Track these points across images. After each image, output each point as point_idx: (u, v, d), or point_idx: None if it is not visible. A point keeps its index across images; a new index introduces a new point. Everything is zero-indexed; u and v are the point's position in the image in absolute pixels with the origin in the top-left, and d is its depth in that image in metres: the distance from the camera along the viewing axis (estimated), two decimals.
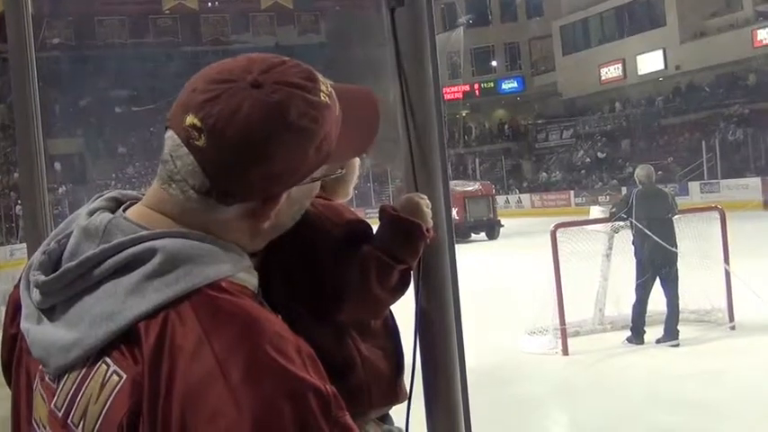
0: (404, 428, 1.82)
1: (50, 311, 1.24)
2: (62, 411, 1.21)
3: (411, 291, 1.74)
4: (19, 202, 39.20)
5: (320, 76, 1.31)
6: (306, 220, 1.67)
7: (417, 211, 1.67)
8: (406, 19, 1.52)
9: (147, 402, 1.12)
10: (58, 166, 46.46)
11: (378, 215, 1.71)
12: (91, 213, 1.30)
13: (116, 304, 1.18)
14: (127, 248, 1.21)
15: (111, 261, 1.21)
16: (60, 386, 1.22)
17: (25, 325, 1.27)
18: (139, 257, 1.20)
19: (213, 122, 1.21)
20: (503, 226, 30.87)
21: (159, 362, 1.13)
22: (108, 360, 1.17)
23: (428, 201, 1.68)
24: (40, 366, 1.27)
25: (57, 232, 1.30)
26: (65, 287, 1.23)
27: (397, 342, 1.84)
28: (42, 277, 1.24)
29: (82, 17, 48.30)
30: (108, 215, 1.28)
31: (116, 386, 1.15)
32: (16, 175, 41.37)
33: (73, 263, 1.23)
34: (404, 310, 1.80)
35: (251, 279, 1.29)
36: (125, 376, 1.15)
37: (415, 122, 1.55)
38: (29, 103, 2.48)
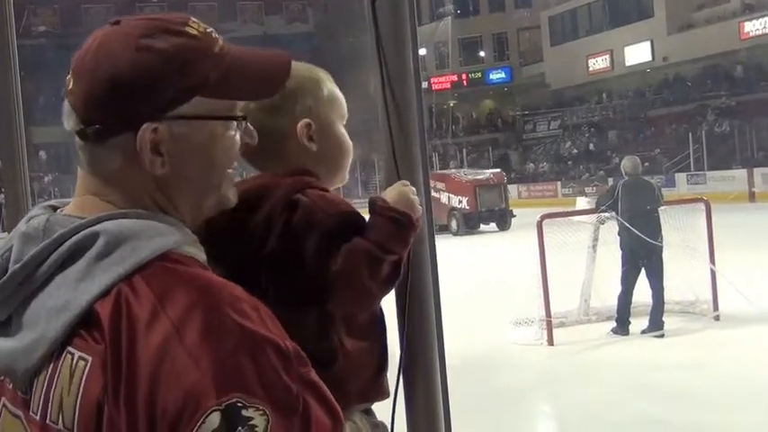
0: (389, 422, 1.83)
1: (7, 324, 1.25)
2: (39, 414, 1.21)
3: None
4: (2, 190, 39.13)
5: (197, 21, 1.34)
6: (297, 209, 1.67)
7: (406, 201, 1.67)
8: (386, 9, 1.52)
9: (112, 375, 1.13)
10: (43, 154, 46.25)
11: (367, 207, 1.71)
12: (29, 221, 1.31)
13: (68, 293, 1.19)
14: (68, 239, 1.22)
15: (55, 255, 1.22)
16: (33, 392, 1.22)
17: None
18: (82, 244, 1.22)
19: (75, 62, 1.29)
20: (515, 216, 29.38)
21: (119, 335, 1.14)
22: (71, 349, 1.18)
23: (413, 188, 1.69)
24: (9, 385, 1.27)
25: None
26: (14, 293, 1.23)
27: (383, 339, 1.81)
28: None
29: (68, 5, 48.08)
30: (45, 216, 1.30)
31: (84, 370, 1.16)
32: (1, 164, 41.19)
33: (17, 265, 1.23)
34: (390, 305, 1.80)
35: (199, 253, 1.31)
36: (90, 359, 1.16)
37: (397, 113, 1.55)
38: (10, 90, 2.47)
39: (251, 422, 1.10)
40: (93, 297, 1.17)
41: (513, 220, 29.44)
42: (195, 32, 1.31)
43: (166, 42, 1.27)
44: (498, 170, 33.80)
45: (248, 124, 1.42)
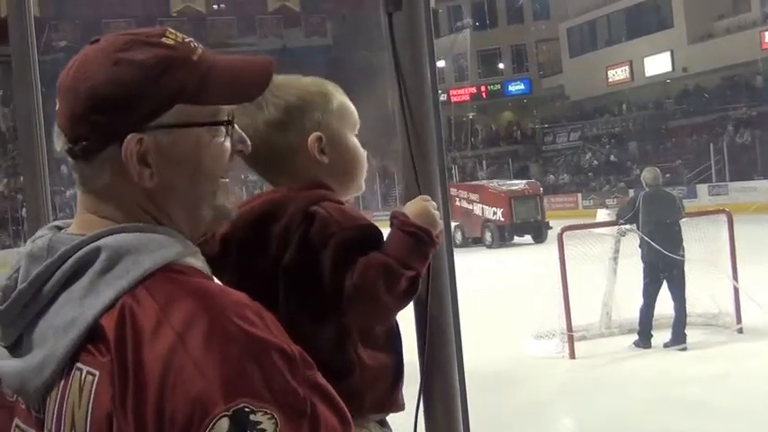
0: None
1: (17, 345, 1.26)
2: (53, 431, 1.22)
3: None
4: (24, 204, 39.43)
5: (175, 32, 1.35)
6: (314, 222, 1.68)
7: (427, 216, 1.67)
8: (403, 23, 1.51)
9: (119, 386, 1.14)
10: (64, 169, 46.40)
11: (388, 220, 1.71)
12: (33, 241, 1.32)
13: (74, 310, 1.20)
14: (71, 256, 1.24)
15: (59, 272, 1.23)
16: (46, 410, 1.23)
17: None
18: (85, 260, 1.23)
19: (59, 84, 1.32)
20: (551, 228, 27.44)
21: (124, 347, 1.15)
22: (79, 365, 1.19)
23: (434, 203, 1.68)
24: (22, 405, 1.29)
25: (7, 275, 1.31)
26: (22, 313, 1.25)
27: (399, 352, 1.82)
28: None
29: (88, 20, 48.45)
30: (48, 236, 1.31)
31: (93, 384, 1.17)
32: (23, 178, 41.48)
33: (23, 285, 1.25)
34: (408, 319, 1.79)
35: (201, 264, 1.31)
36: (98, 373, 1.17)
37: (414, 126, 1.55)
38: (31, 105, 2.48)
39: (259, 426, 1.11)
40: (99, 312, 1.19)
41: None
42: (172, 42, 1.32)
43: (143, 54, 1.28)
44: (533, 180, 33.29)
45: (240, 131, 1.41)
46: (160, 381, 1.12)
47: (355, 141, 1.88)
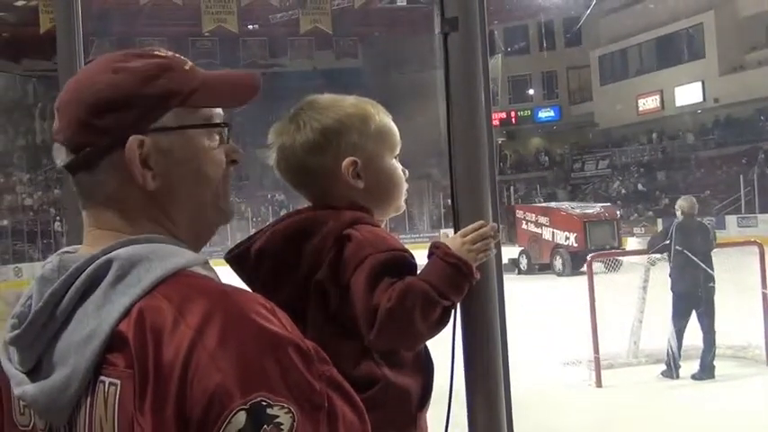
0: None
1: (38, 368, 1.27)
2: None
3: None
4: (57, 218, 39.89)
5: (162, 49, 1.42)
6: (349, 243, 1.70)
7: (466, 254, 1.66)
8: (459, 44, 1.51)
9: (140, 387, 1.16)
10: None
11: (428, 250, 1.71)
12: (44, 266, 1.34)
13: (92, 323, 1.22)
14: (83, 271, 1.25)
15: (72, 289, 1.25)
16: (77, 430, 1.24)
17: (18, 391, 1.29)
18: (97, 274, 1.25)
19: (58, 102, 1.38)
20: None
21: (145, 350, 1.17)
22: (102, 378, 1.20)
23: (482, 233, 1.67)
24: (40, 431, 1.29)
25: (20, 302, 1.33)
26: (39, 335, 1.26)
27: (427, 377, 1.81)
28: (16, 332, 1.28)
29: (123, 37, 48.96)
30: (58, 257, 1.34)
31: (116, 394, 1.18)
32: (57, 191, 41.99)
33: (38, 305, 1.26)
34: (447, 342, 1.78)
35: (210, 273, 1.32)
36: (119, 382, 1.18)
37: (465, 150, 1.54)
38: None
39: (276, 420, 1.12)
40: (116, 320, 1.20)
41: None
42: (164, 54, 1.39)
43: (139, 63, 1.35)
44: (609, 204, 31.69)
45: (232, 143, 1.45)
46: (179, 378, 1.14)
47: (393, 164, 1.89)
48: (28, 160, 46.93)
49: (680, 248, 10.42)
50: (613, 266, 12.85)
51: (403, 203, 1.93)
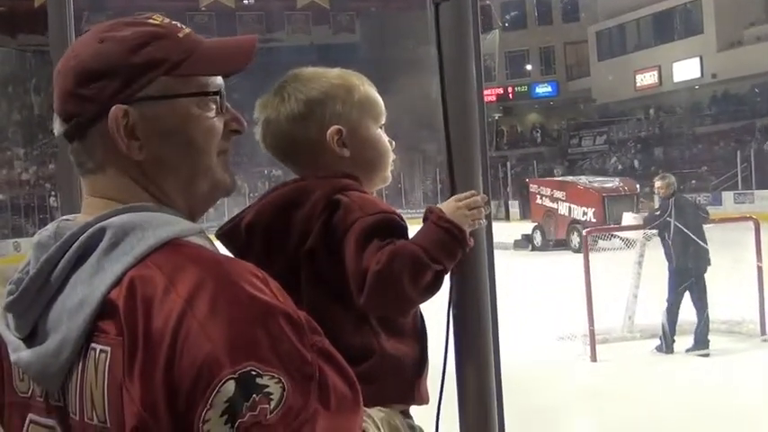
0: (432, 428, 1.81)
1: (34, 334, 1.28)
2: (78, 415, 1.24)
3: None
4: (53, 193, 39.83)
5: (162, 16, 1.41)
6: (338, 209, 1.70)
7: (459, 216, 1.66)
8: (450, 14, 1.50)
9: (128, 356, 1.16)
10: None
11: (423, 215, 1.71)
12: (41, 233, 1.35)
13: (84, 290, 1.22)
14: (77, 238, 1.26)
15: (66, 256, 1.26)
16: (68, 395, 1.25)
17: (14, 357, 1.30)
18: (91, 241, 1.25)
19: (54, 74, 1.38)
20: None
21: (134, 317, 1.17)
22: (93, 345, 1.21)
23: (475, 201, 1.67)
24: (39, 398, 1.30)
25: (18, 268, 1.34)
26: (34, 300, 1.26)
27: (423, 344, 1.82)
28: (12, 298, 1.28)
29: (120, 12, 48.82)
30: (55, 224, 1.35)
31: (106, 361, 1.19)
32: (52, 166, 41.89)
33: (33, 272, 1.27)
34: (437, 314, 1.78)
35: (205, 242, 1.32)
36: (110, 349, 1.19)
37: (457, 122, 1.53)
38: None
39: (266, 390, 1.12)
40: (107, 288, 1.20)
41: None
42: (157, 22, 1.38)
43: (127, 31, 1.34)
44: (629, 178, 29.65)
45: (233, 110, 1.44)
46: (169, 346, 1.14)
47: (378, 133, 1.89)
48: (24, 135, 46.82)
49: (677, 224, 10.43)
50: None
51: (389, 174, 1.94)
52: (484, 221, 1.69)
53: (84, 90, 1.31)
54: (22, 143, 46.70)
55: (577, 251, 21.83)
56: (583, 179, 28.90)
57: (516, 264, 18.49)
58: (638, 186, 27.25)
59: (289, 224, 1.73)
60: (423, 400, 1.82)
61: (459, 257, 1.66)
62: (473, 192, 1.67)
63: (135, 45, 1.32)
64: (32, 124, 46.12)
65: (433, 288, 1.65)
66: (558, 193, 26.80)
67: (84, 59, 1.32)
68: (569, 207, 26.33)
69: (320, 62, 1.89)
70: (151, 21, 1.38)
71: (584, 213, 25.69)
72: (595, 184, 26.82)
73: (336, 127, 1.82)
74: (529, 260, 22.88)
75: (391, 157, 1.92)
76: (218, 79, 1.41)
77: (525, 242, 27.16)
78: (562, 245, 25.78)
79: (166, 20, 1.40)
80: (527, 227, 28.17)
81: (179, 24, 1.40)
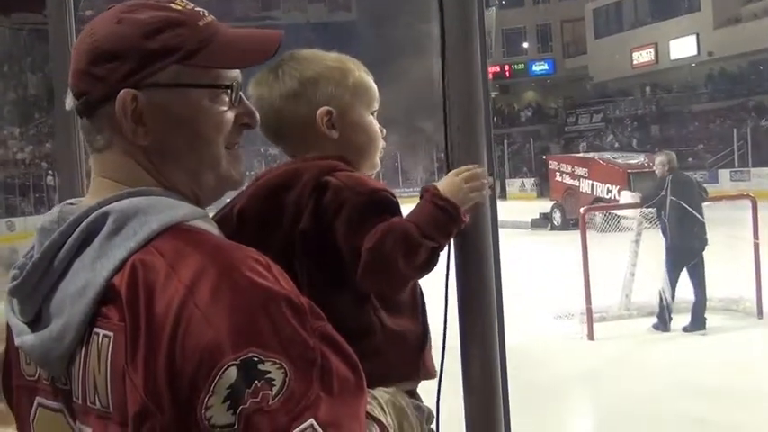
0: (434, 408, 1.82)
1: (37, 319, 1.28)
2: (81, 399, 1.24)
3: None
4: (50, 172, 39.78)
5: (187, 3, 1.38)
6: (327, 190, 1.68)
7: (457, 191, 1.66)
8: None
9: (131, 341, 1.16)
10: None
11: (419, 193, 1.70)
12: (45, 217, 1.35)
13: (87, 275, 1.22)
14: (80, 223, 1.26)
15: (70, 240, 1.25)
16: (72, 379, 1.25)
17: (18, 341, 1.30)
18: (94, 226, 1.25)
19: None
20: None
21: (136, 303, 1.17)
22: (96, 329, 1.21)
23: (474, 174, 1.66)
24: (46, 382, 1.31)
25: (24, 253, 1.34)
26: (38, 285, 1.26)
27: (424, 317, 1.82)
28: (15, 282, 1.28)
29: None
30: (59, 208, 1.35)
31: (108, 346, 1.19)
32: (48, 145, 41.79)
33: (36, 257, 1.27)
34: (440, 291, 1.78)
35: (209, 227, 1.32)
36: (112, 334, 1.19)
37: (461, 101, 1.52)
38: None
39: (268, 375, 1.12)
40: (110, 273, 1.20)
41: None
42: (180, 8, 1.36)
43: (146, 14, 1.33)
44: (653, 153, 28.17)
45: (248, 104, 1.43)
46: (171, 333, 1.13)
47: (369, 119, 1.89)
48: (19, 114, 46.68)
49: (673, 202, 10.44)
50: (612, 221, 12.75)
51: (378, 161, 1.93)
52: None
53: (97, 69, 1.31)
54: (17, 122, 46.56)
55: (603, 231, 20.75)
56: (606, 155, 27.37)
57: (533, 244, 17.98)
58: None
59: (281, 208, 1.72)
60: (429, 373, 1.82)
61: (454, 234, 1.66)
62: (473, 166, 1.66)
63: (151, 30, 1.31)
64: (28, 103, 46.01)
65: (429, 265, 1.65)
66: (580, 170, 25.49)
67: (99, 39, 1.32)
68: (592, 184, 24.86)
69: (317, 40, 1.88)
70: (173, 5, 1.36)
71: (609, 191, 23.98)
72: (619, 161, 25.28)
73: (326, 108, 1.82)
74: (548, 240, 22.17)
75: (380, 144, 1.91)
76: (234, 71, 1.40)
77: (544, 221, 26.04)
78: (610, 225, 24.48)
79: (190, 5, 1.38)
80: (545, 205, 27.17)
81: (202, 12, 1.38)
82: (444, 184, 1.68)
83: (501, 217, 1.73)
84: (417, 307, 1.82)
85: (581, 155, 30.77)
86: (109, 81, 1.30)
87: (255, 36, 1.42)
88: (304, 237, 1.70)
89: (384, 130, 1.92)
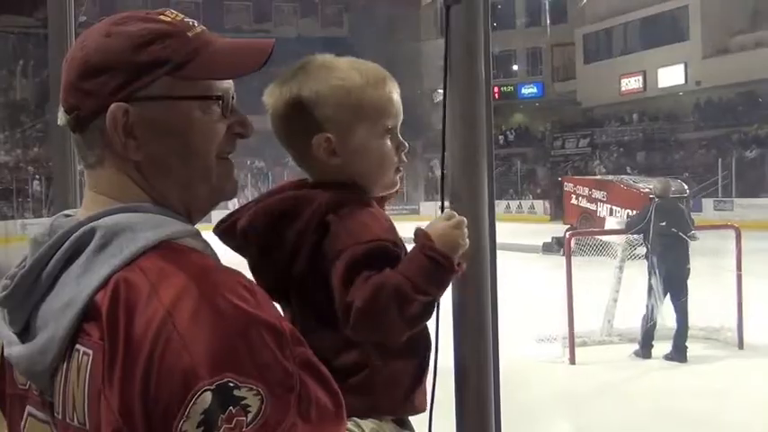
0: None
1: (26, 330, 1.27)
2: (61, 414, 1.23)
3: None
4: (36, 177, 39.50)
5: (176, 12, 1.37)
6: (326, 232, 1.63)
7: (449, 238, 1.57)
8: (461, 17, 1.49)
9: (108, 361, 1.15)
10: None
11: (412, 236, 1.62)
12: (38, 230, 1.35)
13: (72, 291, 1.21)
14: (69, 237, 1.25)
15: (57, 254, 1.25)
16: (54, 393, 1.24)
17: (7, 351, 1.30)
18: (82, 240, 1.24)
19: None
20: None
21: (116, 323, 1.16)
22: (78, 346, 1.20)
23: (461, 218, 1.58)
24: (36, 392, 1.30)
25: (17, 263, 1.34)
26: (25, 298, 1.26)
27: (421, 358, 1.73)
28: (4, 293, 1.28)
29: None
30: (52, 221, 1.34)
31: (88, 364, 1.18)
32: (36, 150, 41.57)
33: (24, 269, 1.27)
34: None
35: (200, 244, 1.31)
36: (92, 352, 1.18)
37: (463, 124, 1.51)
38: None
39: (243, 402, 1.11)
40: (93, 290, 1.19)
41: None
42: (169, 19, 1.35)
43: (135, 27, 1.31)
44: (678, 181, 25.38)
45: (241, 114, 1.41)
46: (148, 355, 1.12)
47: (375, 142, 1.75)
48: (7, 118, 46.43)
49: (658, 229, 10.49)
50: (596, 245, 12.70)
51: (395, 180, 1.81)
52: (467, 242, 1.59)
53: (86, 84, 1.30)
54: (3, 126, 46.30)
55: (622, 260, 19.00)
56: (626, 178, 26.12)
57: (542, 270, 17.01)
58: (686, 188, 24.36)
59: (281, 239, 1.67)
60: (417, 410, 1.76)
61: (449, 284, 1.59)
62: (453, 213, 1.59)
63: (140, 42, 1.30)
64: (16, 107, 45.75)
65: (424, 317, 1.57)
66: (598, 194, 24.34)
67: (88, 53, 1.31)
68: (611, 209, 23.73)
69: (305, 55, 1.80)
70: (162, 17, 1.35)
71: (629, 216, 21.87)
72: (641, 185, 23.86)
73: (324, 135, 1.71)
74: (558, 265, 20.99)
75: (392, 164, 1.78)
76: (226, 82, 1.38)
77: (557, 246, 23.18)
78: (602, 252, 23.32)
79: (180, 16, 1.37)
80: (559, 229, 24.95)
81: (192, 22, 1.37)
82: (437, 232, 1.58)
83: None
84: (417, 346, 1.72)
85: (599, 177, 29.78)
86: (99, 95, 1.29)
87: (246, 46, 1.40)
88: (300, 276, 1.66)
89: (406, 145, 1.80)
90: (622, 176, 26.84)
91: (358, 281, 1.57)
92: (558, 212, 27.03)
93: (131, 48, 1.29)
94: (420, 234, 1.59)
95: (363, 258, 1.59)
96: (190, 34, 1.34)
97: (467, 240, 1.58)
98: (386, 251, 1.61)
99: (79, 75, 1.30)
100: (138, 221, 1.26)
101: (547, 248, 24.31)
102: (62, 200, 2.41)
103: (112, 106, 1.28)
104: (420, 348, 1.73)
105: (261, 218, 1.71)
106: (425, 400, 1.76)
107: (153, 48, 1.30)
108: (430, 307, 1.56)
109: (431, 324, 1.63)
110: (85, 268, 1.22)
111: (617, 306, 11.54)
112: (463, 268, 1.58)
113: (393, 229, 1.69)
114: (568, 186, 26.56)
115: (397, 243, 1.65)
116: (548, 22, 45.56)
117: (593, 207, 24.22)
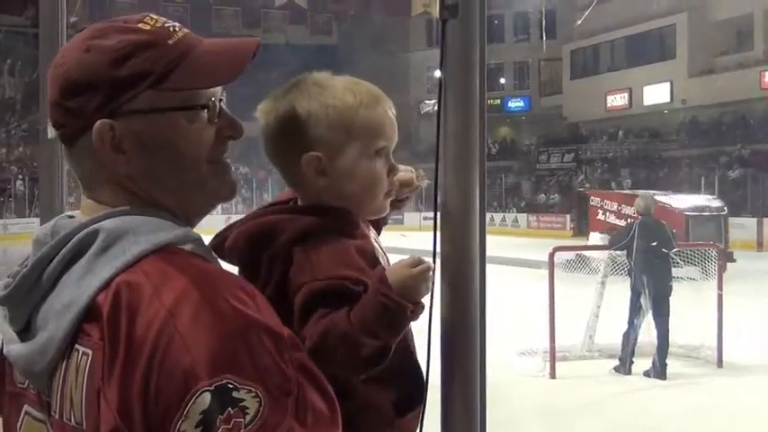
0: None
1: (27, 329, 1.28)
2: (58, 413, 1.24)
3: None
4: (20, 177, 39.33)
5: (156, 17, 1.35)
6: (291, 264, 1.62)
7: (407, 287, 1.54)
8: (456, 31, 1.49)
9: (108, 362, 1.16)
10: None
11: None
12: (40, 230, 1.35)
13: (73, 291, 1.22)
14: (71, 239, 1.26)
15: (59, 256, 1.25)
16: (52, 393, 1.25)
17: (6, 349, 1.31)
18: (85, 242, 1.25)
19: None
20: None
21: (117, 325, 1.16)
22: (77, 346, 1.21)
23: (426, 266, 1.56)
24: (33, 391, 1.30)
25: (20, 262, 1.35)
26: (27, 296, 1.26)
27: (402, 383, 1.69)
28: (6, 292, 1.29)
29: None
30: (53, 221, 1.34)
31: (87, 364, 1.19)
32: (21, 149, 41.39)
33: (26, 269, 1.27)
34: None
35: (200, 249, 1.31)
36: (91, 353, 1.18)
37: (456, 137, 1.51)
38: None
39: (242, 403, 1.12)
40: (94, 291, 1.20)
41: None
42: (148, 27, 1.33)
43: (113, 40, 1.30)
44: (715, 197, 25.19)
45: (230, 116, 1.40)
46: (149, 355, 1.13)
47: (364, 164, 1.72)
48: None
49: (641, 246, 10.53)
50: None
51: (384, 205, 1.79)
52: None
53: (69, 102, 1.30)
54: None
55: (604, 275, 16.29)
56: (659, 194, 22.85)
57: (524, 283, 16.65)
58: (725, 207, 23.81)
59: (258, 262, 1.67)
60: None
61: (402, 330, 1.57)
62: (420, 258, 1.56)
63: (119, 57, 1.29)
64: (2, 106, 45.51)
65: (376, 361, 1.55)
66: (628, 209, 22.22)
67: (68, 70, 1.30)
68: None
69: (295, 63, 1.78)
70: (141, 26, 1.33)
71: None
72: (674, 202, 22.69)
73: (314, 154, 1.68)
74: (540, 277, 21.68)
75: (381, 186, 1.75)
76: (209, 90, 1.36)
77: (583, 264, 22.87)
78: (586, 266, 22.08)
79: (160, 22, 1.35)
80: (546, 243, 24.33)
81: (172, 27, 1.35)
82: (396, 278, 1.55)
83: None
84: (402, 373, 1.68)
85: (629, 191, 28.42)
86: (83, 114, 1.29)
87: (230, 49, 1.38)
88: (271, 301, 1.66)
89: (397, 168, 1.77)
90: (655, 192, 24.02)
91: (312, 319, 1.56)
92: (582, 227, 25.99)
93: (110, 63, 1.28)
94: (377, 277, 1.56)
95: (320, 296, 1.57)
96: (171, 41, 1.32)
97: (429, 286, 1.56)
98: (344, 290, 1.58)
99: (61, 93, 1.30)
100: (141, 225, 1.26)
101: (570, 267, 23.11)
102: (47, 200, 2.40)
103: (98, 123, 1.28)
104: (404, 375, 1.70)
105: (241, 241, 1.70)
106: (414, 428, 1.71)
107: (132, 62, 1.28)
108: (384, 350, 1.54)
109: (422, 347, 1.61)
110: (87, 270, 1.22)
111: (598, 321, 11.56)
112: (419, 314, 1.56)
113: (359, 263, 1.64)
114: (595, 201, 25.61)
115: (360, 279, 1.60)
116: (544, 37, 45.60)
117: (621, 223, 21.82)
